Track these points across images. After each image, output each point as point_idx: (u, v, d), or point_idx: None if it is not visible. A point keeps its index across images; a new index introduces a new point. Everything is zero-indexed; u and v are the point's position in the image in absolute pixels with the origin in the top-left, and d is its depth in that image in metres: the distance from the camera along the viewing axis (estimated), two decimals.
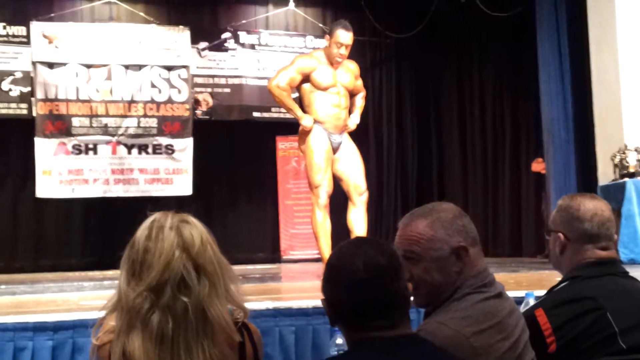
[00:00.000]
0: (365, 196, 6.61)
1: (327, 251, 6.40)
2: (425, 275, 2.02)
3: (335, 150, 6.44)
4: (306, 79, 6.41)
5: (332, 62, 6.44)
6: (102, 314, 1.88)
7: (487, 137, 10.23)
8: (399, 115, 10.50)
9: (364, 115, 10.22)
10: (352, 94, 6.69)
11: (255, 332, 1.94)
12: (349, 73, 6.61)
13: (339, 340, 3.28)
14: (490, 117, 10.21)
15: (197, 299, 1.77)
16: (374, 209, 10.28)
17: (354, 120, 6.62)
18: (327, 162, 6.38)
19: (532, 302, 2.99)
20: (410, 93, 10.55)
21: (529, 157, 9.52)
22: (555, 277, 2.84)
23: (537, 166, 8.98)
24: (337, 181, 6.50)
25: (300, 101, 6.54)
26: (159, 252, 1.78)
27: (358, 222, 6.59)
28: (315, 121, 6.35)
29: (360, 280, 1.72)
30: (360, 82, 6.86)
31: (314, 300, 4.55)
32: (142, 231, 1.84)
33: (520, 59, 9.45)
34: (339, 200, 6.88)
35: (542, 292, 2.60)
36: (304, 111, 6.41)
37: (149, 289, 1.76)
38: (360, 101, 6.81)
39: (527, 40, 8.68)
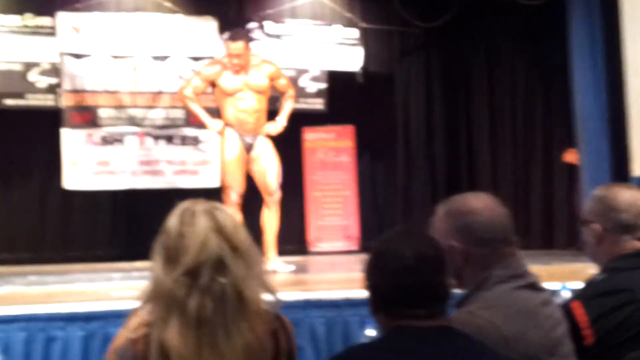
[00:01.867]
0: (276, 196, 7.02)
1: (273, 246, 6.95)
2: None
3: (248, 150, 6.88)
4: (214, 84, 6.85)
5: (236, 70, 6.74)
6: (135, 304, 1.86)
7: (517, 127, 10.09)
8: (427, 106, 10.39)
9: (392, 107, 10.24)
10: (280, 94, 7.12)
11: (288, 323, 1.95)
12: (263, 75, 6.89)
13: (371, 332, 3.25)
14: (521, 107, 10.08)
15: (234, 279, 1.77)
16: (402, 201, 10.21)
17: (276, 127, 7.03)
18: (238, 163, 6.81)
19: (567, 294, 2.93)
20: (439, 83, 10.42)
21: (561, 147, 9.39)
22: (589, 269, 2.79)
23: (570, 157, 8.86)
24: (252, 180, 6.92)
25: None
26: (193, 235, 1.77)
27: (269, 221, 7.04)
28: (227, 124, 6.82)
29: (407, 267, 1.74)
30: (283, 82, 7.14)
31: (345, 291, 4.54)
32: (174, 218, 1.84)
33: (552, 47, 9.30)
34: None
35: (576, 285, 2.56)
36: (219, 115, 6.90)
37: (185, 273, 1.75)
38: (287, 104, 7.14)
39: (559, 28, 8.53)
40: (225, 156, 6.91)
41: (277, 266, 6.91)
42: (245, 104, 6.84)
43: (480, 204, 2.11)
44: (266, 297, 1.87)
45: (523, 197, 9.83)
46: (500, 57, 10.24)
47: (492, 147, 10.25)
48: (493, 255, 2.04)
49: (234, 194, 6.81)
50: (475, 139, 10.41)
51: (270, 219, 6.99)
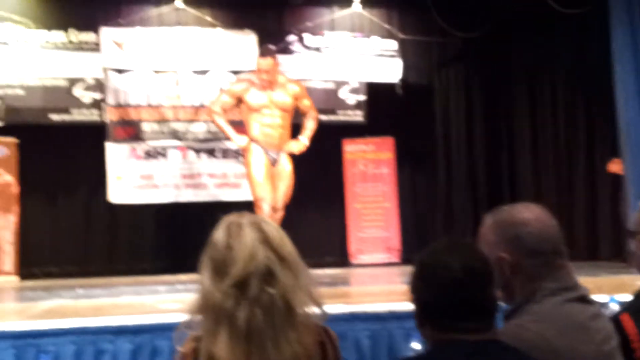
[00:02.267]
0: (279, 214, 7.07)
1: None
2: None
3: (273, 164, 7.14)
4: (241, 100, 7.10)
5: (264, 85, 7.01)
6: (183, 317, 1.89)
7: (560, 137, 9.98)
8: (467, 117, 10.35)
9: (431, 118, 10.22)
10: (303, 114, 7.35)
11: (334, 336, 1.93)
12: (287, 94, 7.17)
13: (416, 345, 3.24)
14: (563, 117, 9.97)
15: (282, 289, 1.77)
16: (443, 212, 10.17)
17: (298, 145, 7.24)
18: (266, 175, 7.03)
19: (615, 307, 2.90)
20: (478, 93, 10.38)
21: (604, 158, 9.25)
22: (637, 280, 2.75)
23: (615, 167, 8.71)
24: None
25: None
26: (241, 247, 1.78)
27: None
28: (252, 140, 7.06)
29: (455, 281, 1.72)
30: (307, 103, 7.41)
31: (389, 304, 4.52)
32: (221, 231, 1.85)
33: (593, 56, 9.20)
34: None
35: (624, 297, 2.52)
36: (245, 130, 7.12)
37: (234, 285, 1.76)
38: (309, 123, 7.37)
39: (600, 37, 8.44)
40: (253, 170, 7.12)
41: None
42: (270, 120, 7.10)
43: (531, 214, 2.07)
44: (313, 309, 1.86)
45: (567, 207, 9.69)
46: (540, 67, 10.15)
47: (534, 157, 10.17)
48: (543, 267, 2.00)
49: (266, 206, 6.98)
50: (517, 150, 10.33)
51: None
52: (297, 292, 1.80)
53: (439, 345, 1.75)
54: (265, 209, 6.94)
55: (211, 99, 7.73)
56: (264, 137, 7.08)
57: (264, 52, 7.10)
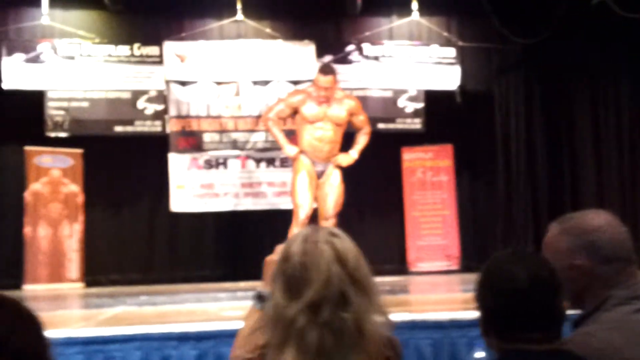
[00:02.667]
0: (330, 222, 7.12)
1: None
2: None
3: (318, 176, 7.22)
4: (297, 111, 7.18)
5: (321, 100, 7.08)
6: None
7: (623, 142, 9.78)
8: (528, 125, 10.19)
9: (490, 125, 10.12)
10: (357, 129, 7.42)
11: (399, 346, 1.92)
12: (344, 109, 7.21)
13: (479, 354, 3.21)
14: (627, 122, 9.77)
15: (355, 314, 1.75)
16: (503, 219, 10.06)
17: (347, 159, 7.31)
18: (309, 186, 7.14)
19: None
20: (539, 101, 10.22)
21: None
22: None
23: None
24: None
25: None
26: (317, 269, 1.76)
27: None
28: (302, 151, 7.17)
29: (521, 290, 1.71)
30: (361, 118, 7.44)
31: (451, 312, 4.49)
32: (296, 246, 1.83)
33: None
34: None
35: None
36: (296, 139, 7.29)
37: (307, 307, 1.74)
38: (362, 138, 7.41)
39: None
40: (297, 177, 7.24)
41: None
42: (321, 133, 7.17)
43: (603, 221, 2.04)
44: (381, 322, 1.83)
45: (631, 216, 9.49)
46: (602, 71, 9.97)
47: (597, 164, 9.97)
48: (616, 275, 1.98)
49: (303, 213, 7.09)
50: (579, 156, 10.14)
51: None
52: (369, 314, 1.78)
53: (505, 355, 1.73)
54: (301, 215, 7.08)
55: (268, 106, 7.84)
56: (313, 150, 7.19)
57: (325, 70, 7.17)
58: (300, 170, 7.25)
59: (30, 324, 1.23)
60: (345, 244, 1.83)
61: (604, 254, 1.98)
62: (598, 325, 1.91)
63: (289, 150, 7.25)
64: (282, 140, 7.25)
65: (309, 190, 7.18)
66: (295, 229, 6.99)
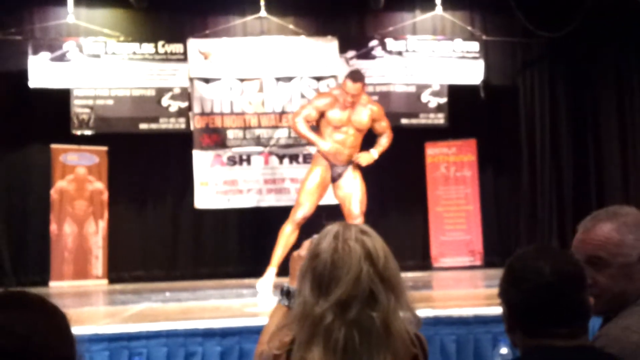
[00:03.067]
0: (358, 221, 6.97)
1: (277, 258, 7.13)
2: (610, 282, 1.95)
3: (335, 179, 7.30)
4: (323, 114, 7.21)
5: (346, 105, 7.11)
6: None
7: None
8: (552, 120, 10.12)
9: (515, 120, 10.07)
10: (378, 135, 7.46)
11: (425, 343, 1.92)
12: (367, 115, 7.27)
13: (504, 350, 3.19)
14: None
15: (383, 313, 1.76)
16: (527, 215, 10.01)
17: (367, 157, 7.32)
18: (317, 188, 7.23)
19: None
20: (564, 96, 10.14)
21: None
22: None
23: None
24: (338, 205, 7.34)
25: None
26: (347, 267, 1.77)
27: (292, 239, 7.21)
28: (321, 153, 7.23)
29: (546, 285, 1.70)
30: (384, 124, 7.49)
31: (475, 308, 4.48)
32: (326, 243, 1.83)
33: None
34: None
35: None
36: None
37: (336, 304, 1.75)
38: (383, 140, 7.46)
39: None
40: (309, 177, 7.33)
41: (266, 283, 7.07)
42: (343, 137, 7.21)
43: None
44: (408, 317, 1.85)
45: None
46: (628, 64, 9.86)
47: (622, 159, 9.87)
48: None
49: (301, 212, 7.16)
50: (605, 151, 10.04)
51: (288, 238, 7.20)
52: (397, 313, 1.79)
53: (529, 351, 1.72)
54: (298, 215, 7.15)
55: (295, 110, 7.91)
56: (334, 153, 7.23)
57: (355, 77, 7.17)
58: (314, 171, 7.34)
59: (54, 321, 1.23)
60: (376, 242, 1.83)
61: None
62: (635, 318, 1.88)
63: (323, 145, 7.22)
64: (314, 137, 7.26)
65: (315, 192, 7.25)
66: (288, 227, 7.16)
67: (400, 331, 1.79)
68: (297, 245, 7.33)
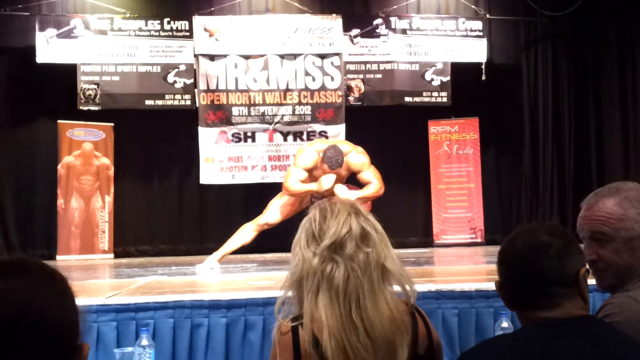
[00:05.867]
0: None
1: (224, 253, 7.24)
2: (614, 257, 1.99)
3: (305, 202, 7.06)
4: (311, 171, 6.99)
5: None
6: (273, 293, 1.96)
7: None
8: (555, 98, 10.18)
9: (517, 98, 10.10)
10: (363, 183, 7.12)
11: (425, 313, 1.95)
12: (349, 169, 7.02)
13: (505, 324, 3.28)
14: None
15: (377, 249, 1.84)
16: (528, 193, 10.09)
17: (342, 192, 6.84)
18: (292, 205, 7.09)
19: None
20: (567, 75, 10.19)
21: None
22: None
23: None
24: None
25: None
26: (336, 214, 1.88)
27: (243, 235, 7.28)
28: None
29: (518, 257, 1.75)
30: (367, 175, 7.09)
31: (476, 283, 4.54)
32: (314, 211, 1.93)
33: None
34: None
35: None
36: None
37: (330, 246, 1.83)
38: (369, 188, 7.04)
39: None
40: (283, 198, 7.20)
41: (205, 268, 6.98)
42: (328, 184, 6.98)
43: None
44: (403, 288, 1.90)
45: None
46: (631, 43, 9.85)
47: (624, 138, 9.90)
48: None
49: (266, 219, 7.16)
50: (606, 130, 10.10)
51: (244, 235, 7.23)
52: (389, 254, 1.87)
53: (527, 325, 1.74)
54: (262, 219, 7.16)
55: (285, 177, 7.47)
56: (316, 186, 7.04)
57: (332, 166, 6.85)
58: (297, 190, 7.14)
59: (54, 286, 1.17)
60: (362, 208, 1.94)
61: None
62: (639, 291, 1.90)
63: (325, 184, 6.94)
64: (309, 187, 6.99)
65: (288, 206, 7.15)
66: (250, 226, 7.16)
67: (396, 270, 1.87)
68: (250, 247, 7.34)
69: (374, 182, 7.09)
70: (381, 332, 1.79)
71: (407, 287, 1.92)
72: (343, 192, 6.91)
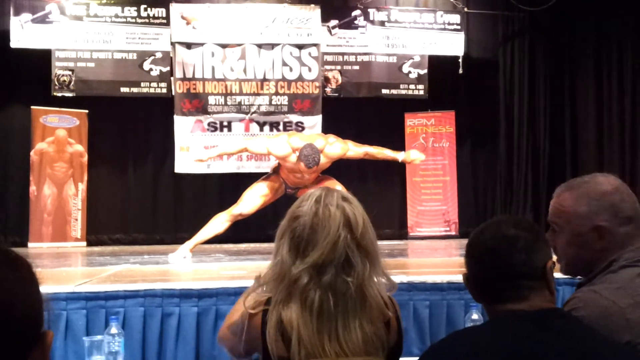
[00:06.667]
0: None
1: (196, 243, 7.27)
2: (566, 248, 2.04)
3: (285, 193, 7.24)
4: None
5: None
6: (245, 283, 1.95)
7: (625, 113, 9.74)
8: (531, 92, 10.22)
9: (494, 92, 10.15)
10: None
11: (397, 306, 1.97)
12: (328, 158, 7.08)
13: (475, 316, 3.29)
14: (630, 92, 9.75)
15: (358, 278, 1.82)
16: (502, 186, 10.16)
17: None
18: (265, 196, 7.19)
19: None
20: (543, 69, 10.24)
21: None
22: None
23: None
24: None
25: None
26: (325, 232, 1.82)
27: (216, 225, 7.33)
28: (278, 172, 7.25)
29: (486, 250, 1.75)
30: (353, 151, 7.31)
31: (448, 275, 4.57)
32: (307, 207, 1.87)
33: None
34: None
35: None
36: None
37: (312, 267, 1.81)
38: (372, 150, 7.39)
39: None
40: (264, 182, 7.35)
41: (177, 257, 7.01)
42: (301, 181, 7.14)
43: (617, 183, 2.06)
44: (382, 281, 1.90)
45: (629, 183, 9.48)
46: (608, 40, 9.92)
47: (598, 134, 9.98)
48: (630, 236, 1.99)
49: (240, 209, 7.20)
50: (581, 126, 10.17)
51: (217, 225, 7.25)
52: (372, 279, 1.84)
53: (494, 318, 1.75)
54: (236, 210, 7.18)
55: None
56: (292, 180, 7.18)
57: (309, 164, 6.82)
58: (270, 179, 7.33)
59: (19, 273, 1.11)
60: (356, 209, 1.88)
61: (624, 215, 2.01)
62: (604, 285, 1.92)
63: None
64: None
65: (262, 198, 7.20)
66: (223, 216, 7.18)
67: (374, 296, 1.84)
68: (223, 237, 7.37)
69: (367, 148, 7.38)
70: (355, 351, 1.79)
71: (387, 283, 1.92)
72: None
